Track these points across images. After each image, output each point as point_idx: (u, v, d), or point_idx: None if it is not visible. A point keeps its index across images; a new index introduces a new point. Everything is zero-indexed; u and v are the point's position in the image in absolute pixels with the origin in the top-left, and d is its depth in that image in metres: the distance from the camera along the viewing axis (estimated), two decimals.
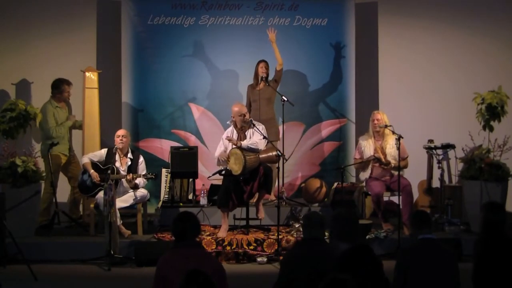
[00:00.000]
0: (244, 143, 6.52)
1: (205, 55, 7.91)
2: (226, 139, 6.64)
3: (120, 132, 6.90)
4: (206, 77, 7.92)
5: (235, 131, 6.75)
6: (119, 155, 6.83)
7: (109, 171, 6.49)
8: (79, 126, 7.48)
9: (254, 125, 6.59)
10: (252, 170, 6.49)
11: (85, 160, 6.79)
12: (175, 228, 3.78)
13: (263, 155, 6.52)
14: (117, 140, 6.80)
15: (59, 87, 7.33)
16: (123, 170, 6.77)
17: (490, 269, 4.01)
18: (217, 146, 6.81)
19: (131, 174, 6.64)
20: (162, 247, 6.07)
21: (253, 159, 6.43)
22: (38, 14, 7.97)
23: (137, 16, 7.84)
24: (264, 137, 6.54)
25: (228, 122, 6.84)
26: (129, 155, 6.88)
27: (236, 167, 6.45)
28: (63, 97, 7.38)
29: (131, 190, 6.75)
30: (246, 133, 6.70)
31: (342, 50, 7.94)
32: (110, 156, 6.78)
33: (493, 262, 4.01)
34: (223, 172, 6.66)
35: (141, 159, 6.96)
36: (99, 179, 6.62)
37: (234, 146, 6.55)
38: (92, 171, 6.69)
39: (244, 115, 6.64)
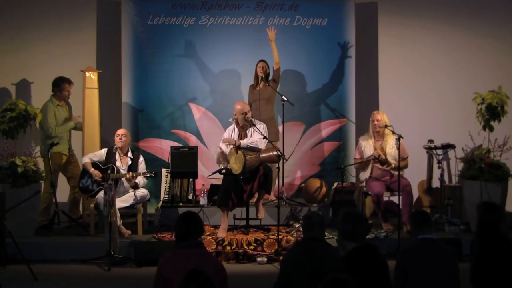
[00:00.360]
0: (244, 142, 6.52)
1: (205, 55, 7.90)
2: (223, 141, 6.63)
3: (120, 131, 6.91)
4: (206, 77, 7.92)
5: (236, 129, 6.75)
6: (119, 154, 6.83)
7: (109, 171, 6.49)
8: (80, 128, 7.48)
9: (254, 124, 6.58)
10: (252, 170, 6.48)
11: (85, 160, 6.80)
12: (178, 228, 3.77)
13: (264, 155, 6.51)
14: (117, 139, 6.81)
15: (59, 85, 7.33)
16: (123, 169, 6.77)
17: (487, 269, 4.01)
18: (218, 145, 6.81)
19: (130, 173, 6.64)
20: (162, 247, 6.07)
21: (253, 158, 6.42)
22: (38, 14, 7.98)
23: (137, 16, 7.84)
24: (264, 137, 6.53)
25: (230, 120, 6.84)
26: (129, 154, 6.89)
27: (236, 166, 6.44)
28: (62, 95, 7.37)
29: (131, 190, 6.75)
30: (247, 131, 6.70)
31: (342, 50, 7.94)
32: (110, 156, 6.78)
33: (490, 262, 4.01)
34: (223, 171, 6.66)
35: (141, 158, 6.96)
36: (100, 175, 6.62)
37: (232, 146, 6.55)
38: (92, 169, 6.69)
39: (246, 114, 6.64)
